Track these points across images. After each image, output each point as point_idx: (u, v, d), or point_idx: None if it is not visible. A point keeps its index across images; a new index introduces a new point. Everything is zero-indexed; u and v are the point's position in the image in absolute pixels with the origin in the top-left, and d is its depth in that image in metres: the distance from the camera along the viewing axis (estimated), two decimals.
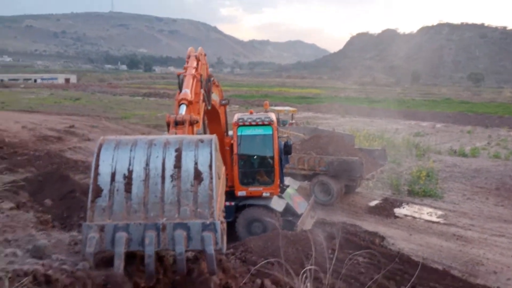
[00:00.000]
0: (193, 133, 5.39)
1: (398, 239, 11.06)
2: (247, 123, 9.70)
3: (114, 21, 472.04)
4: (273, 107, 23.38)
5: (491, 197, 15.14)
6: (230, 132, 10.44)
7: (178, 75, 7.12)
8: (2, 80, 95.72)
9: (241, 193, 9.88)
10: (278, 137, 10.07)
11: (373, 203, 14.27)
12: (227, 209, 6.87)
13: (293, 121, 22.13)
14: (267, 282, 6.04)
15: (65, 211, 10.51)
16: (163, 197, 3.69)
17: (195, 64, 7.43)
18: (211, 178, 3.76)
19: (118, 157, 3.79)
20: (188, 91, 6.40)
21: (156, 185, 3.72)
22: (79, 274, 3.55)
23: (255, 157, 10.28)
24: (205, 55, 8.27)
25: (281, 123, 19.47)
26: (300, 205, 11.10)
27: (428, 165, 18.74)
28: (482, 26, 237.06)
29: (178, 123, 5.29)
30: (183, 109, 5.88)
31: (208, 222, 3.59)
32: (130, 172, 3.74)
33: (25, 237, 4.53)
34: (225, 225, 3.92)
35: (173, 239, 3.54)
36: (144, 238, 3.51)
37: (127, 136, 4.11)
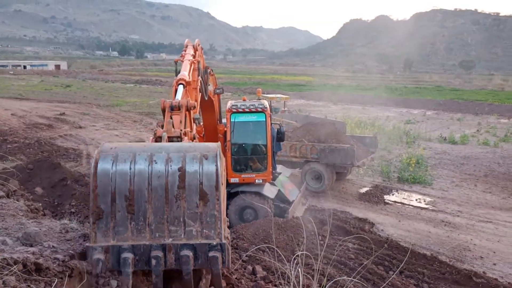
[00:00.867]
0: (190, 119, 5.26)
1: (388, 225, 11.23)
2: (240, 110, 9.72)
3: (105, 6, 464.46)
4: (265, 95, 23.34)
5: (479, 184, 15.37)
6: (224, 121, 10.45)
7: (176, 62, 7.16)
8: None
9: (233, 179, 9.92)
10: (271, 124, 10.10)
11: (363, 190, 14.42)
12: None
13: (285, 109, 22.12)
14: (259, 268, 6.13)
15: (56, 199, 10.50)
16: (168, 218, 3.58)
17: (192, 52, 7.55)
18: (217, 199, 3.64)
19: (117, 176, 3.55)
20: (186, 73, 6.38)
21: (160, 206, 3.58)
22: (71, 263, 3.58)
23: (248, 143, 10.31)
24: (202, 48, 8.39)
25: (273, 110, 19.44)
26: (292, 192, 11.19)
27: (418, 152, 18.93)
28: (475, 12, 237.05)
29: (174, 108, 5.08)
30: (180, 89, 5.78)
31: (215, 243, 3.56)
32: (132, 192, 3.56)
33: (15, 225, 4.53)
34: (229, 237, 3.94)
35: (179, 259, 3.51)
36: (150, 258, 3.48)
37: (123, 145, 3.79)
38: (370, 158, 15.17)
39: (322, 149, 13.76)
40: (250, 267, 6.05)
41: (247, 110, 9.74)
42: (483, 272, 8.34)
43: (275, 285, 5.52)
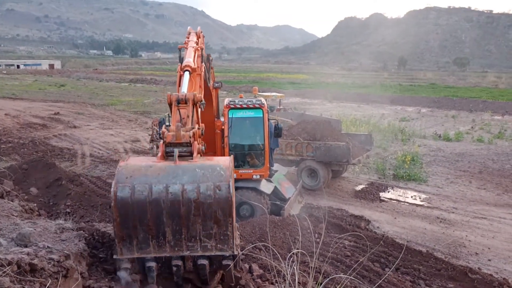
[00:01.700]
0: (197, 113, 5.24)
1: (383, 223, 11.27)
2: (238, 106, 9.74)
3: (98, 4, 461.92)
4: (260, 93, 23.32)
5: (474, 181, 15.45)
6: (222, 119, 10.44)
7: (180, 49, 7.16)
8: None
9: None
10: (269, 120, 10.12)
11: (359, 188, 14.46)
12: None
13: (281, 107, 22.12)
14: (255, 266, 6.14)
15: (51, 199, 10.44)
16: (185, 237, 4.00)
17: (195, 39, 7.56)
18: (230, 224, 4.02)
19: (135, 207, 3.86)
20: (191, 60, 6.36)
21: (178, 229, 3.97)
22: (66, 264, 3.56)
23: (245, 139, 10.32)
24: (204, 36, 8.41)
25: (269, 108, 19.37)
26: (288, 190, 11.19)
27: (413, 149, 19.01)
28: (468, 9, 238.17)
29: (181, 102, 4.99)
30: (187, 76, 5.75)
31: (227, 254, 4.10)
32: (150, 219, 3.91)
33: (9, 226, 4.50)
34: (239, 242, 4.54)
35: (196, 266, 4.12)
36: (171, 266, 4.07)
37: (138, 173, 4.01)
38: (366, 156, 15.21)
39: (318, 147, 13.78)
40: (246, 265, 6.05)
41: (244, 106, 9.76)
42: (478, 268, 8.40)
43: (272, 283, 5.52)
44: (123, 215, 3.85)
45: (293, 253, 4.78)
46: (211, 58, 8.97)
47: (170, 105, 4.99)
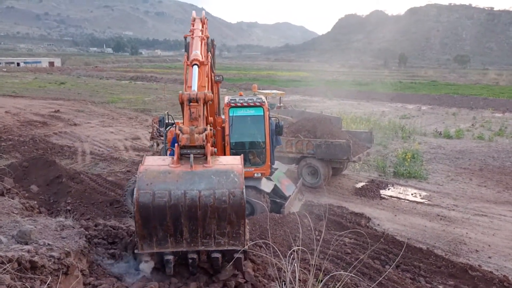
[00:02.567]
0: (207, 110, 5.38)
1: (384, 220, 11.26)
2: (238, 104, 9.71)
3: (98, 2, 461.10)
4: (260, 90, 23.29)
5: (474, 178, 15.44)
6: (223, 117, 10.43)
7: (185, 38, 7.10)
8: None
9: None
10: (270, 118, 10.11)
11: (359, 185, 14.44)
12: None
13: (281, 104, 22.09)
14: (255, 263, 6.13)
15: (52, 196, 10.46)
16: (200, 234, 4.43)
17: (201, 26, 7.49)
18: (242, 224, 4.46)
19: (156, 211, 4.25)
20: (199, 52, 6.32)
21: (194, 228, 4.39)
22: (67, 261, 3.56)
23: (246, 138, 10.30)
24: (207, 19, 8.34)
25: (269, 106, 19.34)
26: (288, 187, 11.19)
27: (414, 147, 18.98)
28: (469, 6, 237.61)
29: (192, 101, 5.06)
30: (196, 71, 5.74)
31: (238, 248, 4.54)
32: (169, 221, 4.32)
33: (10, 223, 4.50)
34: (248, 237, 4.88)
35: (210, 259, 4.59)
36: (187, 259, 4.53)
37: (157, 180, 4.37)
38: (366, 153, 15.19)
39: (318, 145, 13.76)
40: (250, 264, 6.04)
41: (245, 104, 9.73)
42: (479, 265, 8.40)
43: (272, 280, 5.52)
44: (144, 218, 4.24)
45: (294, 251, 4.79)
46: (215, 43, 8.86)
47: (182, 104, 5.08)
